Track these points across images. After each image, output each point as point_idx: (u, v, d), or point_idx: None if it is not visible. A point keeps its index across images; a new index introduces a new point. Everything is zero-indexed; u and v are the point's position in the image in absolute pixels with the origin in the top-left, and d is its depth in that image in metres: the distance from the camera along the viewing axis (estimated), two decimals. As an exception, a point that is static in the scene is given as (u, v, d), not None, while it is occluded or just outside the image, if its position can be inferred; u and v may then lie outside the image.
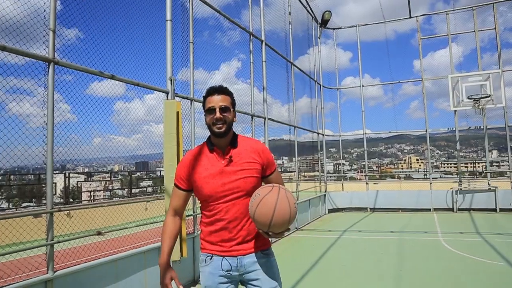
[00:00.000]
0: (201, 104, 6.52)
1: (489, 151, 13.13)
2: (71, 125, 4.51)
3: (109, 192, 16.71)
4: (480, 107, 11.33)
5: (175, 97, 5.59)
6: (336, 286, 5.19)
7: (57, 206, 3.93)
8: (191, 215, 5.89)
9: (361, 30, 15.18)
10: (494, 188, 11.99)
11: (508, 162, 12.28)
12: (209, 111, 2.04)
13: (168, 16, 5.67)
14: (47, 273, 3.67)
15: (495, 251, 6.82)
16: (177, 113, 5.29)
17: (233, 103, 2.12)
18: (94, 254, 5.50)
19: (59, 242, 3.84)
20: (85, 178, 15.92)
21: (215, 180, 2.00)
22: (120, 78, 4.71)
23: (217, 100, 2.03)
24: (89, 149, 4.80)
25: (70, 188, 14.15)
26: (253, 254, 2.05)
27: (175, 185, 2.15)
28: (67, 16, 4.23)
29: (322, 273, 5.88)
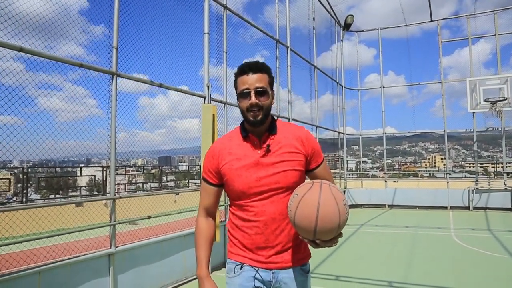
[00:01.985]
0: (233, 105, 7.16)
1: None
2: (97, 119, 4.71)
3: (133, 186, 17.50)
4: (497, 109, 11.70)
5: (211, 101, 6.37)
6: (350, 270, 5.86)
7: (118, 194, 4.76)
8: (222, 205, 6.66)
9: (384, 29, 15.57)
10: (510, 188, 12.34)
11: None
12: (242, 94, 1.71)
13: (206, 29, 6.40)
14: (110, 248, 4.51)
15: (502, 246, 7.34)
16: (213, 115, 6.06)
17: (271, 82, 1.76)
18: (136, 239, 6.32)
19: (120, 223, 4.67)
20: (108, 172, 16.05)
21: (249, 173, 1.69)
22: (167, 86, 5.51)
23: (252, 81, 1.69)
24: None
25: (95, 181, 14.81)
26: (292, 269, 1.74)
27: (204, 179, 1.84)
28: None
29: (339, 259, 6.57)
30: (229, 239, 1.84)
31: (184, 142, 6.64)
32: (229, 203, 1.86)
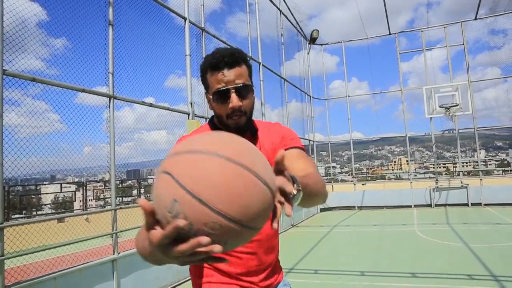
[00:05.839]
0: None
1: (476, 150, 14.64)
2: (61, 134, 4.51)
3: (102, 201, 17.08)
4: (451, 114, 12.89)
5: (195, 117, 6.95)
6: (327, 264, 6.55)
7: (118, 206, 5.24)
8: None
9: (346, 36, 16.62)
10: (466, 186, 13.53)
11: (487, 161, 13.85)
12: (219, 94, 1.27)
13: (187, 51, 7.00)
14: (114, 254, 4.99)
15: (458, 236, 8.26)
16: (197, 130, 6.64)
17: (250, 74, 1.35)
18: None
19: (121, 231, 5.15)
20: (76, 188, 14.57)
21: None
22: (157, 105, 6.06)
23: (231, 77, 1.25)
24: (79, 158, 4.67)
25: (62, 198, 14.31)
26: (278, 284, 1.49)
27: None
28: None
29: (315, 257, 7.25)
30: (205, 267, 1.41)
31: (153, 154, 6.60)
32: None
